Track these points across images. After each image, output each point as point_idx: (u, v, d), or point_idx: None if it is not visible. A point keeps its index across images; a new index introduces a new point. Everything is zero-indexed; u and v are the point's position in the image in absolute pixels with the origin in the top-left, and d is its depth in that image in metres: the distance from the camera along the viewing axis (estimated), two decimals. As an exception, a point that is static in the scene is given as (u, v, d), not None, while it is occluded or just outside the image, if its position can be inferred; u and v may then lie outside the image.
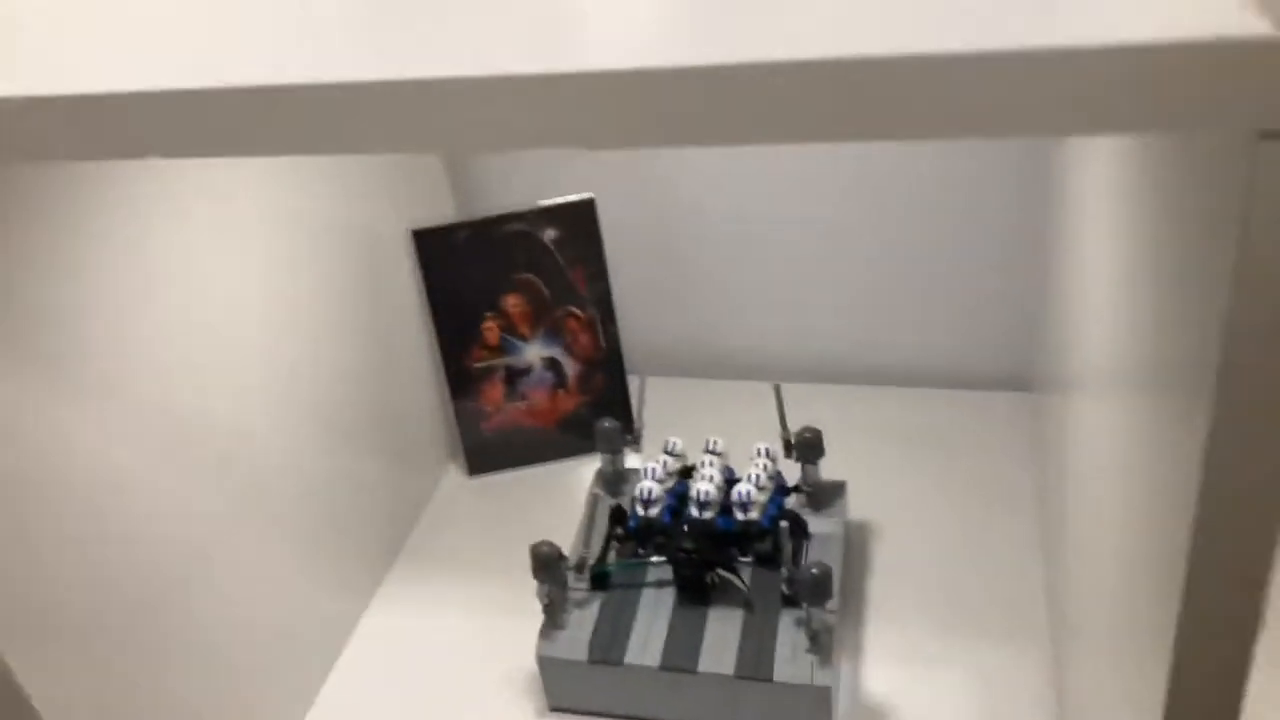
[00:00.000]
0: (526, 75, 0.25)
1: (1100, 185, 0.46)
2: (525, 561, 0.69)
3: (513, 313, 0.74)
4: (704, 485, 0.61)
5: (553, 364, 0.76)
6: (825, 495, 0.65)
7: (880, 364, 0.80)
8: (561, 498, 0.75)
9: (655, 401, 0.81)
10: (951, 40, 0.22)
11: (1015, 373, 0.78)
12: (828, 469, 0.72)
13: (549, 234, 0.72)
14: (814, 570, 0.54)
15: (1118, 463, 0.40)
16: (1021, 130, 0.23)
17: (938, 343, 0.78)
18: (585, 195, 0.72)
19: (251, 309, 0.57)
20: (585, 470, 0.77)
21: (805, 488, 0.65)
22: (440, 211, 0.77)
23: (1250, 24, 0.21)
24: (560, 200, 0.72)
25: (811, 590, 0.54)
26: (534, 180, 0.77)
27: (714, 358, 0.83)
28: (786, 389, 0.79)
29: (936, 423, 0.76)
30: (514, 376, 0.76)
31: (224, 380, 0.55)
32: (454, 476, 0.79)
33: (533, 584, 0.66)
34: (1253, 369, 0.25)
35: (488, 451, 0.77)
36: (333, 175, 0.64)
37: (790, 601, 0.59)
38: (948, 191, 0.72)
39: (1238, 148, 0.23)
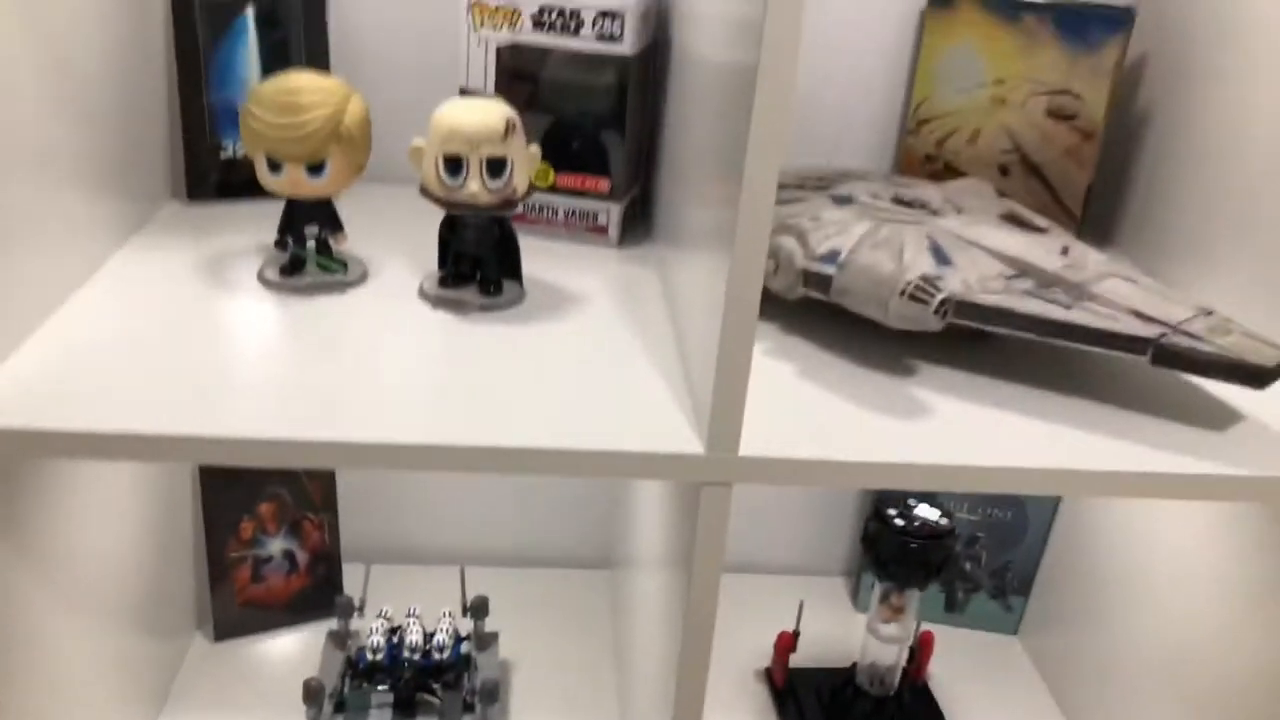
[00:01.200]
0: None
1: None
2: (267, 699, 0.97)
3: (264, 515, 1.03)
4: (413, 637, 0.94)
5: (289, 555, 1.05)
6: (486, 641, 1.00)
7: (528, 551, 1.18)
8: (289, 653, 1.03)
9: (373, 582, 1.12)
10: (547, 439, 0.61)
11: (605, 556, 1.19)
12: (489, 624, 1.07)
13: (298, 462, 1.03)
14: (486, 683, 0.89)
15: (642, 623, 0.80)
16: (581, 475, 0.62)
17: (556, 536, 1.18)
18: (325, 436, 1.04)
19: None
20: (307, 634, 1.06)
21: (476, 636, 1.00)
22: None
23: (687, 442, 0.61)
24: (307, 439, 1.03)
25: (487, 693, 0.89)
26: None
27: (416, 549, 1.16)
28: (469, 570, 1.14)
29: (565, 588, 1.15)
30: (259, 564, 1.04)
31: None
32: (200, 642, 1.04)
33: (272, 709, 0.95)
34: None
35: (233, 621, 1.04)
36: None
37: (469, 709, 0.92)
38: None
39: (689, 494, 0.63)
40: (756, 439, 0.62)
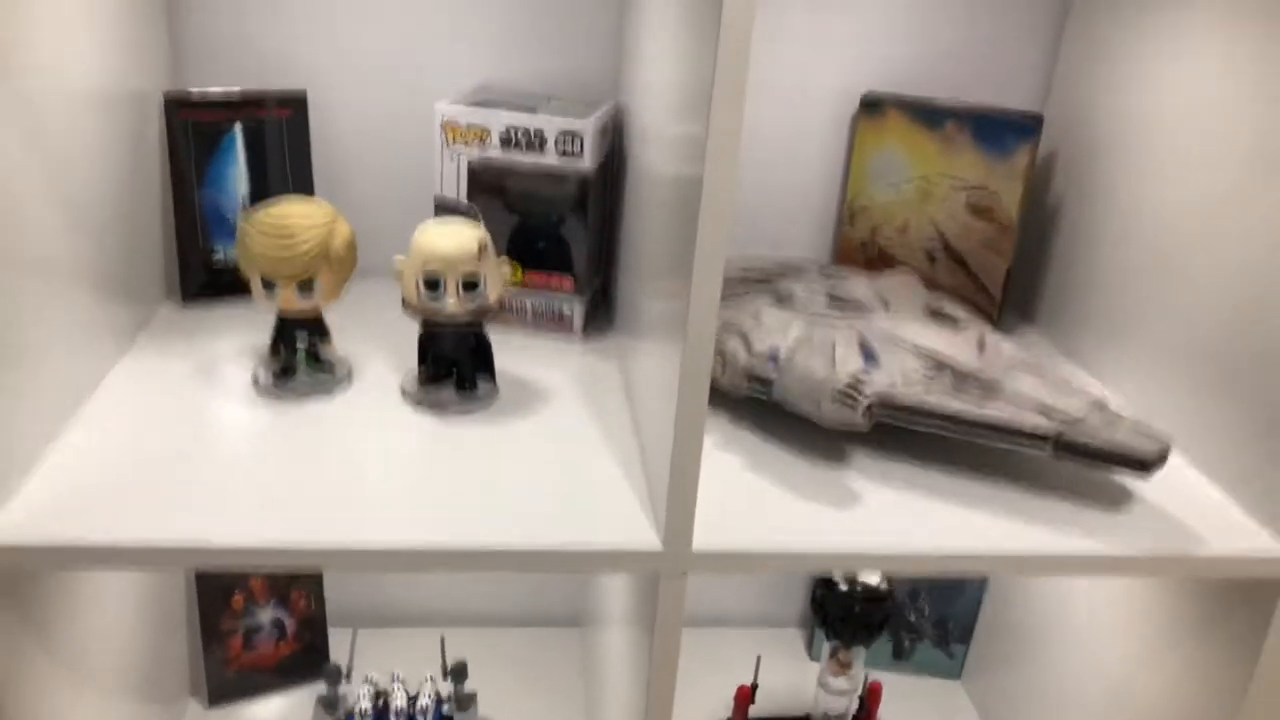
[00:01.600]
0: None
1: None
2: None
3: (255, 588, 1.09)
4: (397, 701, 1.01)
5: (278, 623, 1.12)
6: (466, 702, 1.07)
7: (503, 611, 1.25)
8: (279, 717, 1.09)
9: (358, 646, 1.19)
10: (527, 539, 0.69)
11: (576, 615, 1.26)
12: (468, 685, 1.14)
13: (285, 537, 1.10)
14: (471, 745, 0.96)
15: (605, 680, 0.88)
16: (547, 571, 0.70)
17: (530, 597, 1.25)
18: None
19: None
20: (296, 698, 1.12)
21: (456, 698, 1.07)
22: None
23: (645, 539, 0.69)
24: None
25: (471, 757, 0.96)
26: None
27: (398, 612, 1.23)
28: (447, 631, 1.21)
29: (539, 647, 1.22)
30: (250, 633, 1.10)
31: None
32: (194, 708, 1.10)
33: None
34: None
35: (226, 687, 1.10)
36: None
37: (453, 768, 0.99)
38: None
39: (649, 584, 0.71)
40: (708, 532, 0.70)
